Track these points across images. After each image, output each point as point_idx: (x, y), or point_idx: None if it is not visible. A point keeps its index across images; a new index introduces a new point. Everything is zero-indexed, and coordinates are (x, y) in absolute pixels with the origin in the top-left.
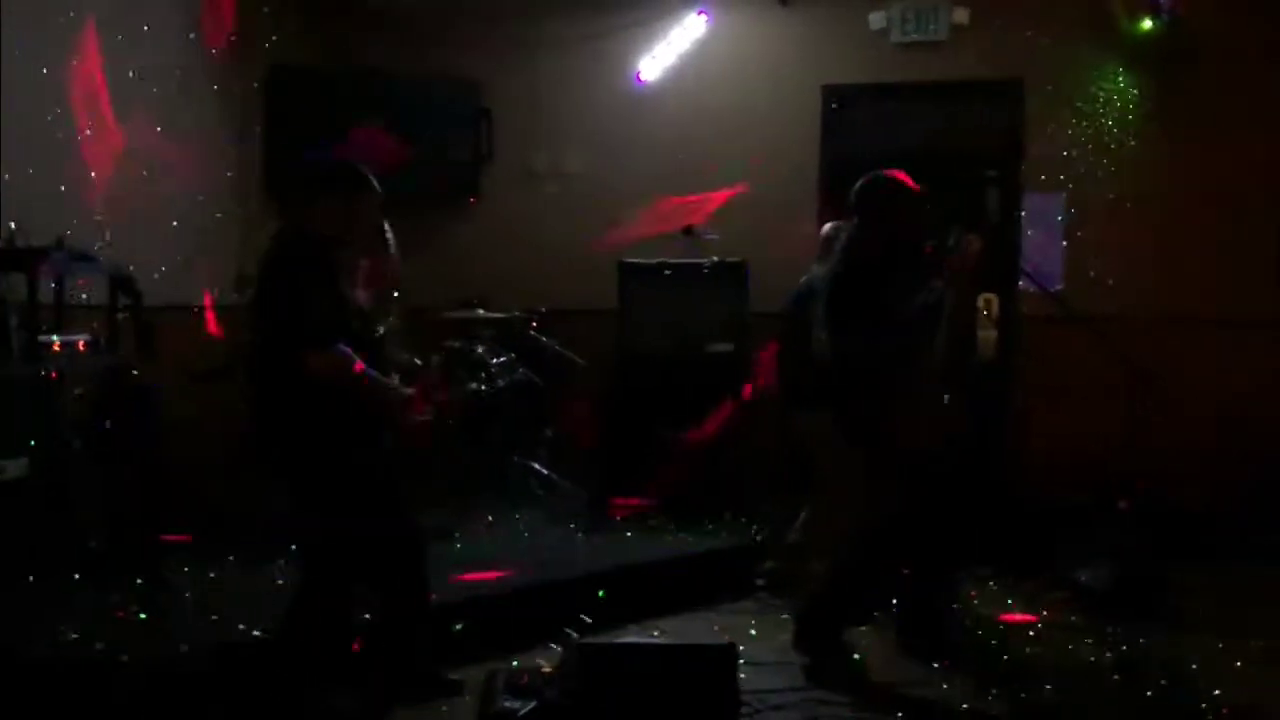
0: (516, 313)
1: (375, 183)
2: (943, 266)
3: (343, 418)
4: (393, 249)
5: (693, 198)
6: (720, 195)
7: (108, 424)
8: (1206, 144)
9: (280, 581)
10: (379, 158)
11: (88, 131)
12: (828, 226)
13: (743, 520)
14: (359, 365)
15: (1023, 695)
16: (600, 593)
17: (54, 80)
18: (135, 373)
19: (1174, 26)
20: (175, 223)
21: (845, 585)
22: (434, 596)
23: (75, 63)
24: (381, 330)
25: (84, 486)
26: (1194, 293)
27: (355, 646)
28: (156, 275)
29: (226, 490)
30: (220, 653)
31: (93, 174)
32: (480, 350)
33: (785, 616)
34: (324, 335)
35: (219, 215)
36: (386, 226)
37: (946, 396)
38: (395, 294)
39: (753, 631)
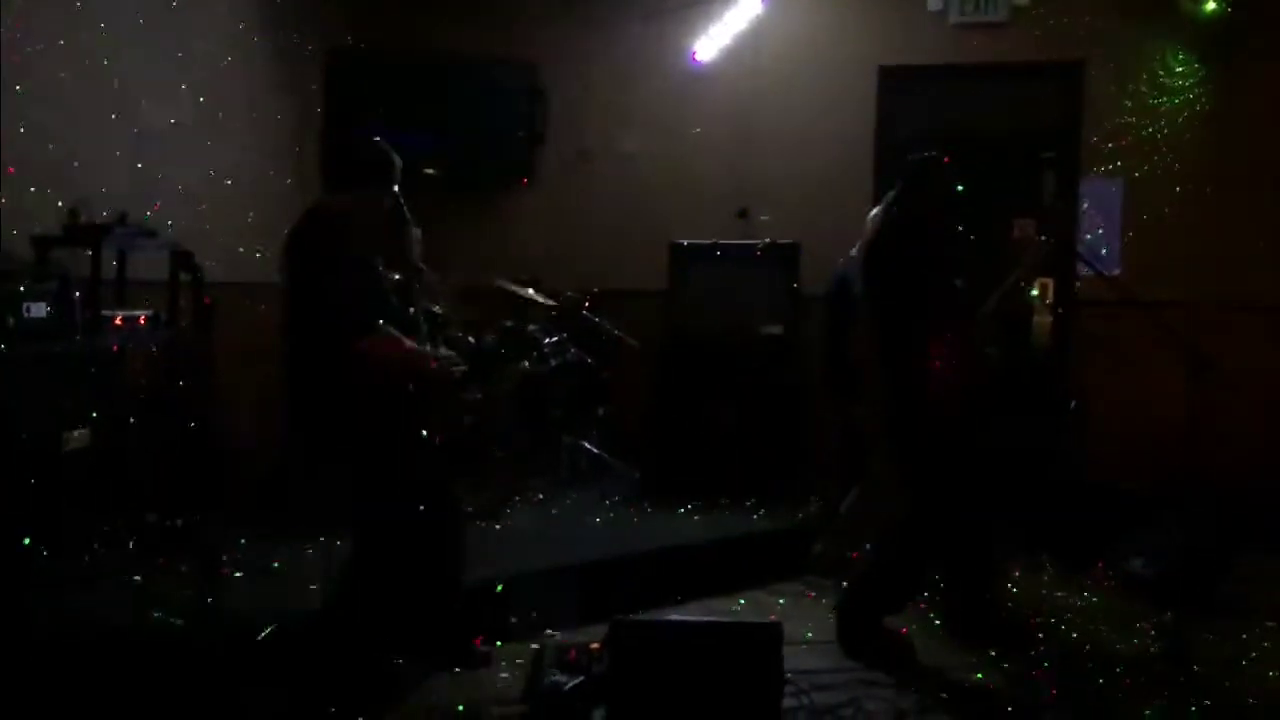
0: (569, 293)
1: (398, 163)
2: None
3: (386, 395)
4: (412, 226)
5: None
6: None
7: (167, 399)
8: (1268, 128)
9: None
10: None
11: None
12: (873, 211)
13: (793, 502)
14: (402, 340)
15: (1068, 682)
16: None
17: (116, 57)
18: (195, 349)
19: (1237, 8)
20: (236, 201)
21: (882, 575)
22: (486, 571)
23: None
24: (415, 308)
25: (143, 459)
26: (1255, 278)
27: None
28: (218, 253)
29: (281, 468)
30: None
31: (156, 152)
32: (533, 329)
33: (832, 597)
34: (370, 317)
35: (279, 195)
36: (403, 203)
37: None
38: (421, 270)
39: (801, 612)
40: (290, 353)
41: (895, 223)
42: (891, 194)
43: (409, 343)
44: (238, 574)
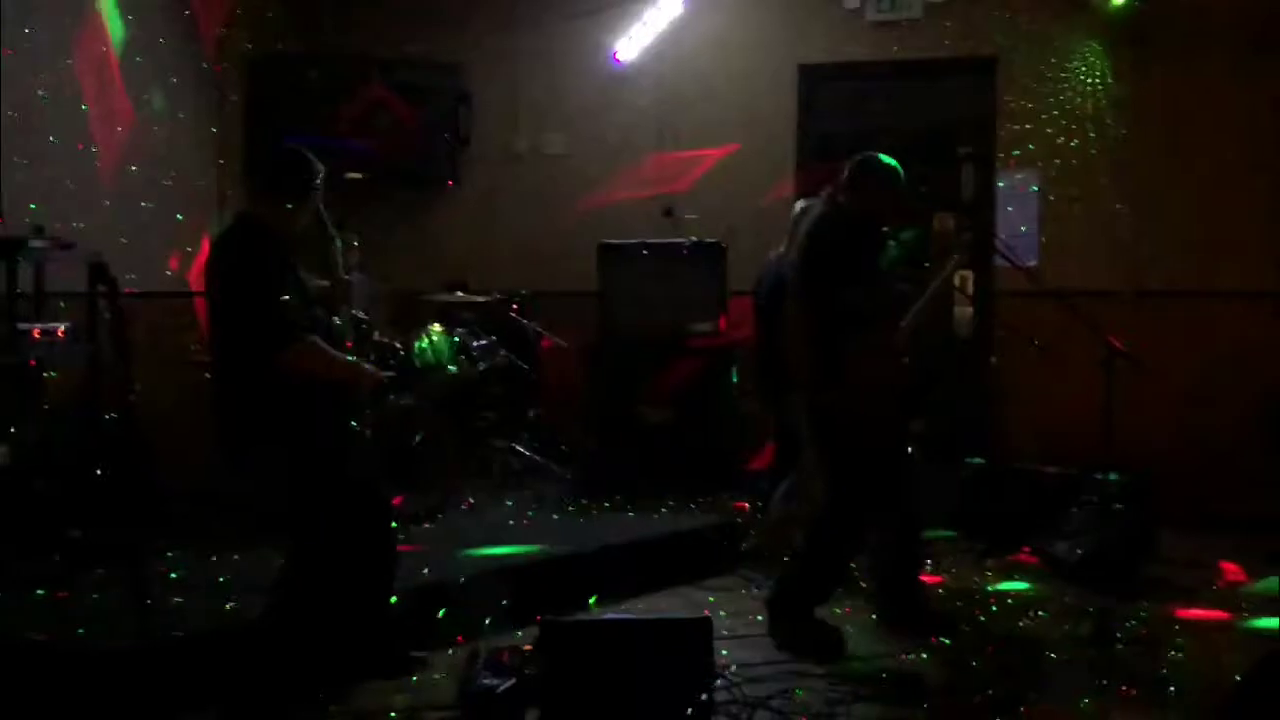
0: (497, 295)
1: (321, 171)
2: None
3: (311, 404)
4: (332, 233)
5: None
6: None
7: (88, 412)
8: (1178, 120)
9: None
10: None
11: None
12: (797, 206)
13: (725, 499)
14: (330, 354)
15: (998, 665)
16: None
17: (31, 68)
18: (113, 361)
19: (1145, 2)
20: (155, 211)
21: (807, 567)
22: (421, 577)
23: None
24: (339, 316)
25: (65, 474)
26: (1167, 266)
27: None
28: (139, 264)
29: (206, 478)
30: (200, 640)
31: (71, 162)
32: (461, 333)
33: (764, 590)
34: (294, 330)
35: (199, 203)
36: (323, 209)
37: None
38: (347, 278)
39: (734, 607)
40: (216, 364)
41: (833, 220)
42: (827, 190)
43: (334, 353)
44: (167, 586)
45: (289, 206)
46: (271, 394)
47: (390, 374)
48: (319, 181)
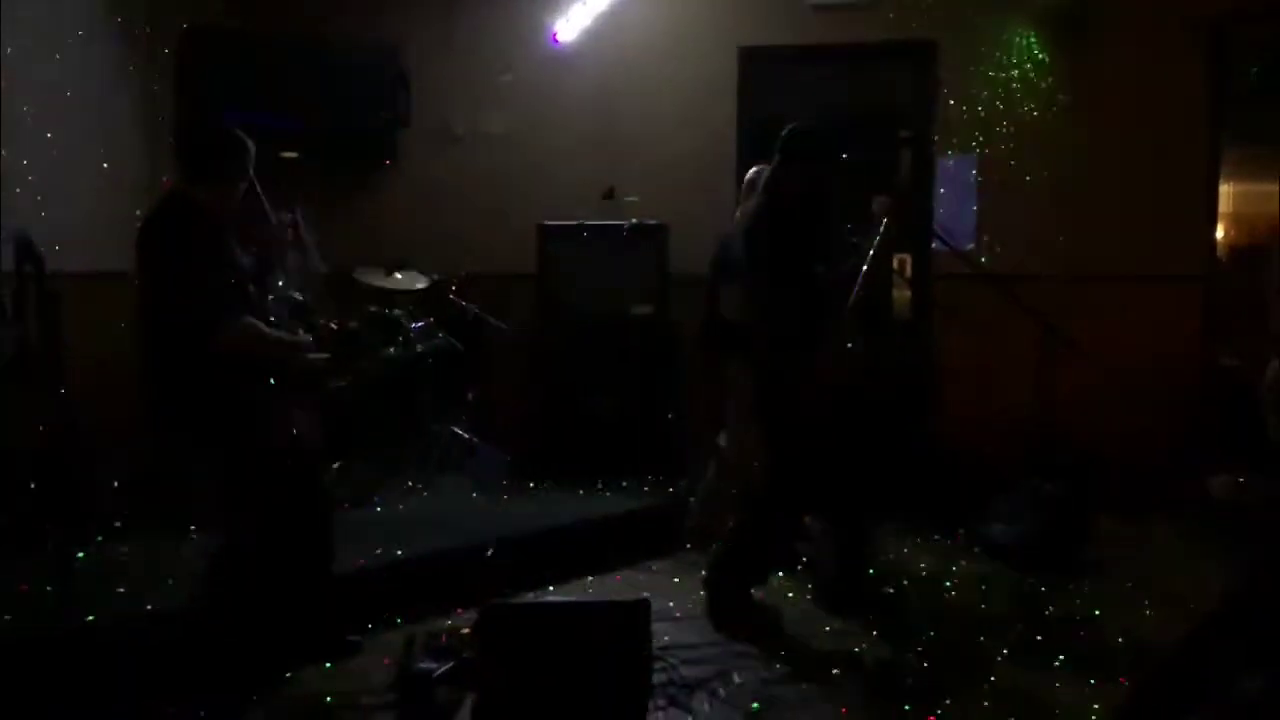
0: (436, 276)
1: (252, 149)
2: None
3: (245, 385)
4: (268, 208)
5: None
6: None
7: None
8: (1115, 107)
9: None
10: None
11: None
12: (752, 171)
13: (666, 480)
14: (264, 331)
15: (934, 647)
16: (489, 551)
17: None
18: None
19: None
20: (83, 188)
21: (744, 547)
22: (359, 561)
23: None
24: (273, 294)
25: None
26: (1102, 251)
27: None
28: (69, 243)
29: (136, 461)
30: (129, 624)
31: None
32: (398, 315)
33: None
34: (226, 309)
35: (133, 181)
36: (258, 186)
37: (855, 349)
38: (283, 253)
39: (675, 588)
40: (145, 345)
41: (781, 196)
42: (777, 161)
43: (269, 332)
44: (97, 571)
45: (220, 185)
46: (203, 374)
47: (326, 355)
48: (250, 159)
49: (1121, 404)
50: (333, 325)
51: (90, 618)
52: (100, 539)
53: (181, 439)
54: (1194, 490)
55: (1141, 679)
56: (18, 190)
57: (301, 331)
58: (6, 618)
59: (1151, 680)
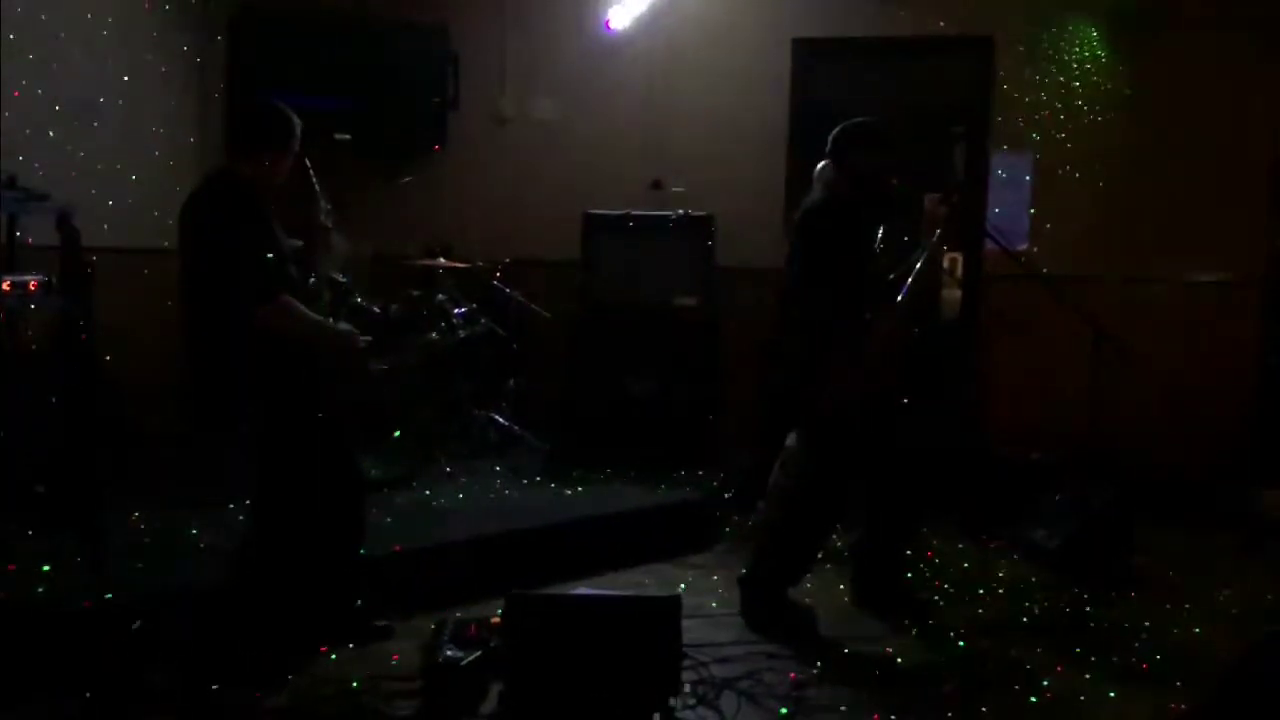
0: (480, 262)
1: (299, 125)
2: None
3: (287, 365)
4: (317, 188)
5: None
6: None
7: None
8: (1174, 106)
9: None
10: None
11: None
12: (820, 165)
13: (706, 475)
14: (306, 314)
15: (970, 653)
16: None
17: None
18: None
19: None
20: (132, 164)
21: (780, 547)
22: (394, 546)
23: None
24: (316, 276)
25: (30, 429)
26: (1158, 254)
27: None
28: (112, 217)
29: (170, 438)
30: (159, 601)
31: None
32: (442, 299)
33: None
34: (270, 287)
35: (182, 160)
36: (310, 167)
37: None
38: (330, 236)
39: (710, 584)
40: (188, 321)
41: (822, 210)
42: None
43: (310, 314)
44: (133, 545)
45: (267, 162)
46: (247, 350)
47: (368, 338)
48: (296, 136)
49: (1175, 410)
50: (375, 309)
51: (109, 595)
52: (133, 514)
53: (220, 416)
54: (1246, 503)
55: (1204, 700)
56: (72, 173)
57: (343, 315)
58: (39, 591)
59: (1216, 701)
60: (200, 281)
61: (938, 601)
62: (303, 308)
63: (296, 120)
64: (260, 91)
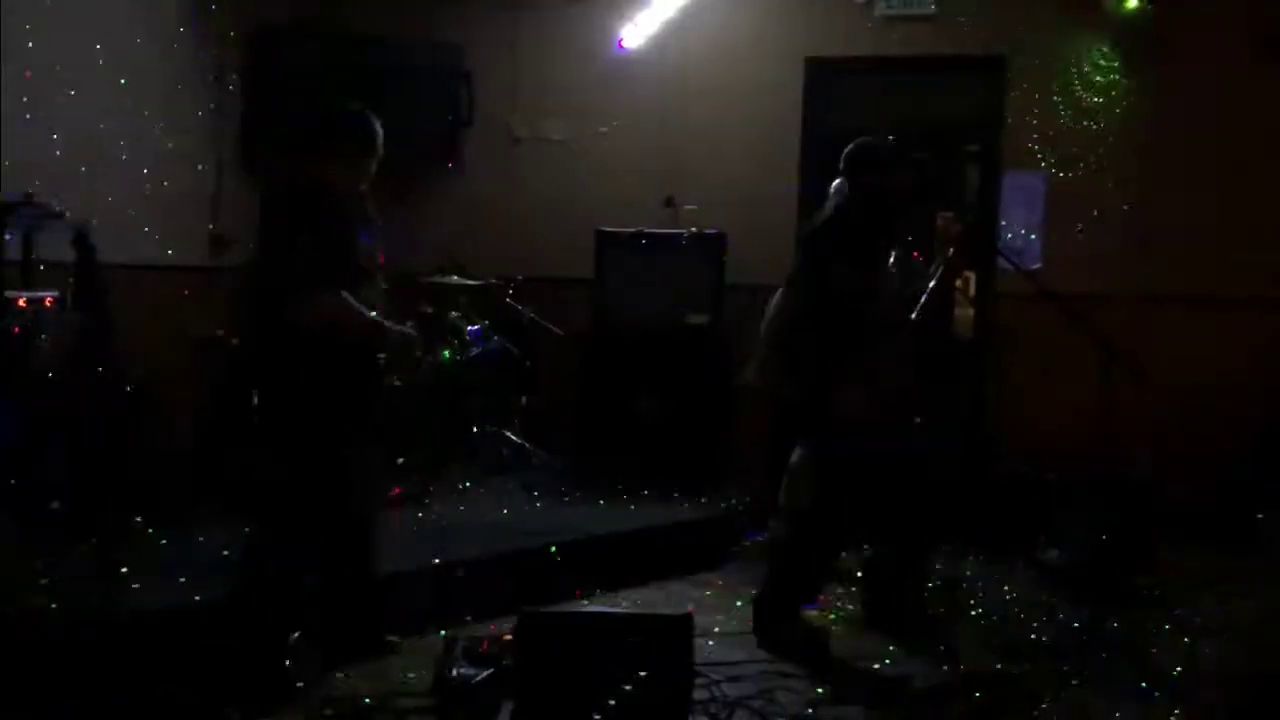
0: (493, 280)
1: (380, 133)
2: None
3: (343, 383)
4: (371, 208)
5: None
6: None
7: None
8: (1187, 125)
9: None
10: None
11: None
12: (836, 183)
13: (717, 493)
14: (359, 309)
15: (985, 673)
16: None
17: (26, 38)
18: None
19: (1159, 6)
20: (149, 182)
21: (792, 566)
22: (404, 562)
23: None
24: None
25: (47, 445)
26: (1172, 272)
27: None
28: (126, 233)
29: (186, 454)
30: (174, 616)
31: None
32: (455, 317)
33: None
34: (330, 281)
35: (193, 176)
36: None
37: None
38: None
39: (721, 603)
40: (252, 322)
41: (831, 226)
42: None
43: (363, 309)
44: (142, 561)
45: (348, 168)
46: (304, 354)
47: (419, 352)
48: (379, 144)
49: (1190, 431)
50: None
51: (113, 609)
52: (146, 528)
53: (265, 423)
54: (1260, 522)
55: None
56: (90, 188)
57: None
58: (52, 605)
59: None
60: (276, 281)
61: (952, 621)
62: (354, 302)
63: (379, 128)
64: (279, 109)
